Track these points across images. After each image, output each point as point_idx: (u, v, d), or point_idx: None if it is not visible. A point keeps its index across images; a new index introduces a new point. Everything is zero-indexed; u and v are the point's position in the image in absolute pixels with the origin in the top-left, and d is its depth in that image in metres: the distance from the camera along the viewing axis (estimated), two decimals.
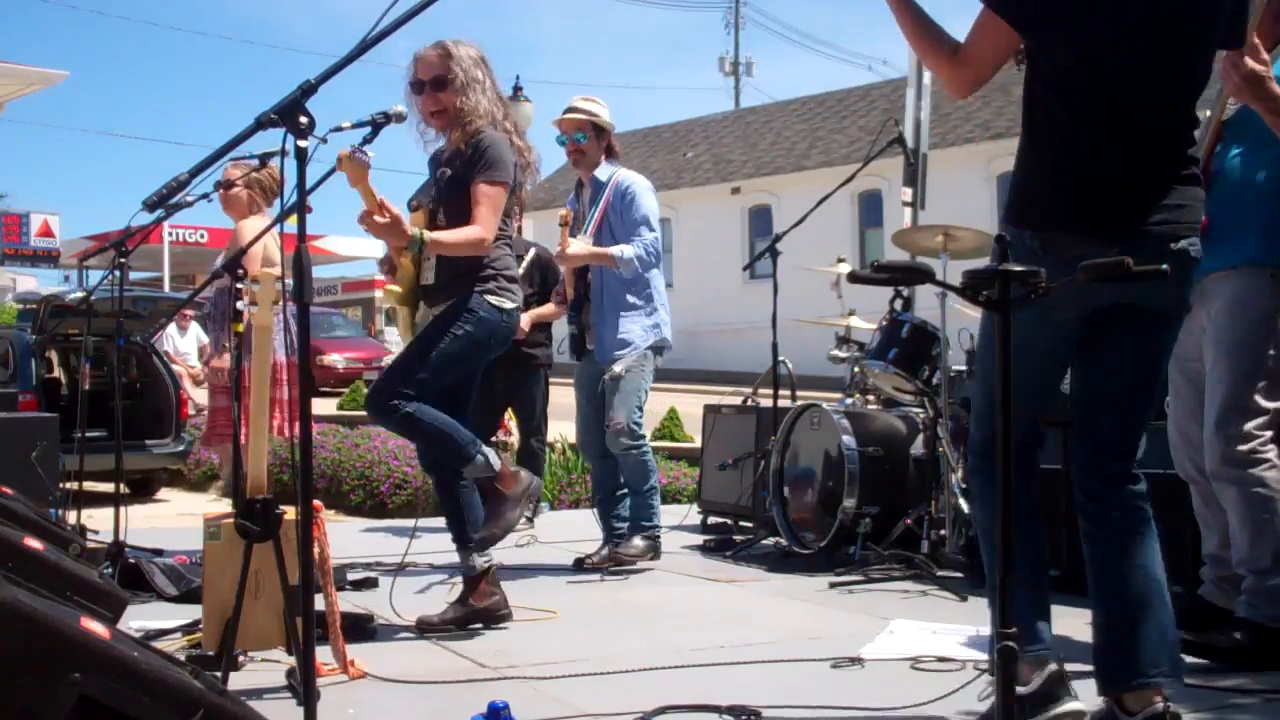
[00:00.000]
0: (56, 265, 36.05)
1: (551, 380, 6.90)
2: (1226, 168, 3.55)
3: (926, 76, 7.57)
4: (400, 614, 4.15)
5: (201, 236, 30.55)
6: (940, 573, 4.94)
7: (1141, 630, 2.63)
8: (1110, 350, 2.72)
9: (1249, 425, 3.47)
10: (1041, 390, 2.79)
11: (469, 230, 3.96)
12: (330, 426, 11.59)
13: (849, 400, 5.87)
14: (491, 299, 4.03)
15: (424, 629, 4.04)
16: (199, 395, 10.63)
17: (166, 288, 27.36)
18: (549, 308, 6.45)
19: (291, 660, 3.39)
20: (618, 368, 5.23)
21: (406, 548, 4.48)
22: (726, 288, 22.83)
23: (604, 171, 5.36)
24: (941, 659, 3.59)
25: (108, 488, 5.75)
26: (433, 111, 4.10)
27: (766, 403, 6.34)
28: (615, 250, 5.20)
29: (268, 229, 4.54)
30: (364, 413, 16.24)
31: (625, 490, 5.48)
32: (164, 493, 11.18)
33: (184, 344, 13.37)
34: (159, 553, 5.05)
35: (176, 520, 8.81)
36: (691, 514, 7.00)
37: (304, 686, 2.38)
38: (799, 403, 5.89)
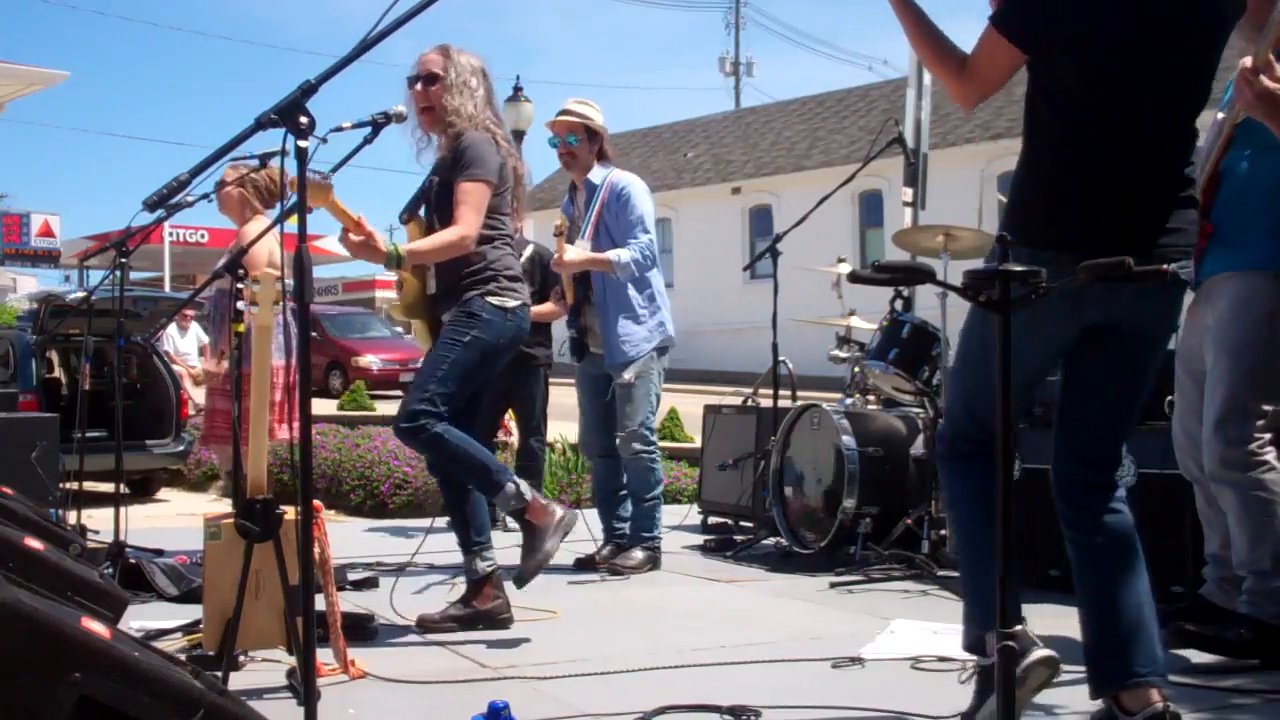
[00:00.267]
0: (57, 265, 36.07)
1: (551, 380, 6.90)
2: (1235, 170, 3.55)
3: (927, 77, 7.56)
4: (401, 614, 4.15)
5: (202, 237, 30.55)
6: (940, 573, 4.94)
7: (1131, 631, 2.64)
8: (1096, 365, 2.74)
9: (1248, 428, 3.47)
10: (1018, 395, 2.80)
11: (448, 232, 3.95)
12: (330, 426, 11.59)
13: (849, 400, 5.87)
14: (493, 300, 4.01)
15: (425, 628, 4.04)
16: (199, 395, 10.62)
17: (167, 288, 27.36)
18: (548, 306, 6.45)
19: (291, 660, 3.39)
20: (628, 375, 5.23)
21: (418, 547, 4.50)
22: (726, 288, 22.83)
23: (597, 174, 5.35)
24: (942, 659, 3.59)
25: (108, 488, 5.76)
26: (422, 108, 4.11)
27: (766, 403, 6.34)
28: (612, 255, 5.20)
29: (268, 229, 4.54)
30: (364, 413, 16.23)
31: (625, 492, 5.48)
32: (164, 493, 11.18)
33: (184, 344, 13.36)
34: (159, 553, 5.05)
35: (176, 520, 8.81)
36: (691, 514, 7.00)
37: (304, 686, 2.38)
38: (799, 403, 5.89)
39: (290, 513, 3.30)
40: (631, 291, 5.27)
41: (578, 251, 5.23)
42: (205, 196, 3.91)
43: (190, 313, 12.84)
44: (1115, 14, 2.59)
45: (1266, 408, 3.49)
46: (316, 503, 3.03)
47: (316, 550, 3.31)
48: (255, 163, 3.92)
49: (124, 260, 4.59)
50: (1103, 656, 2.67)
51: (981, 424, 2.75)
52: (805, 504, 5.61)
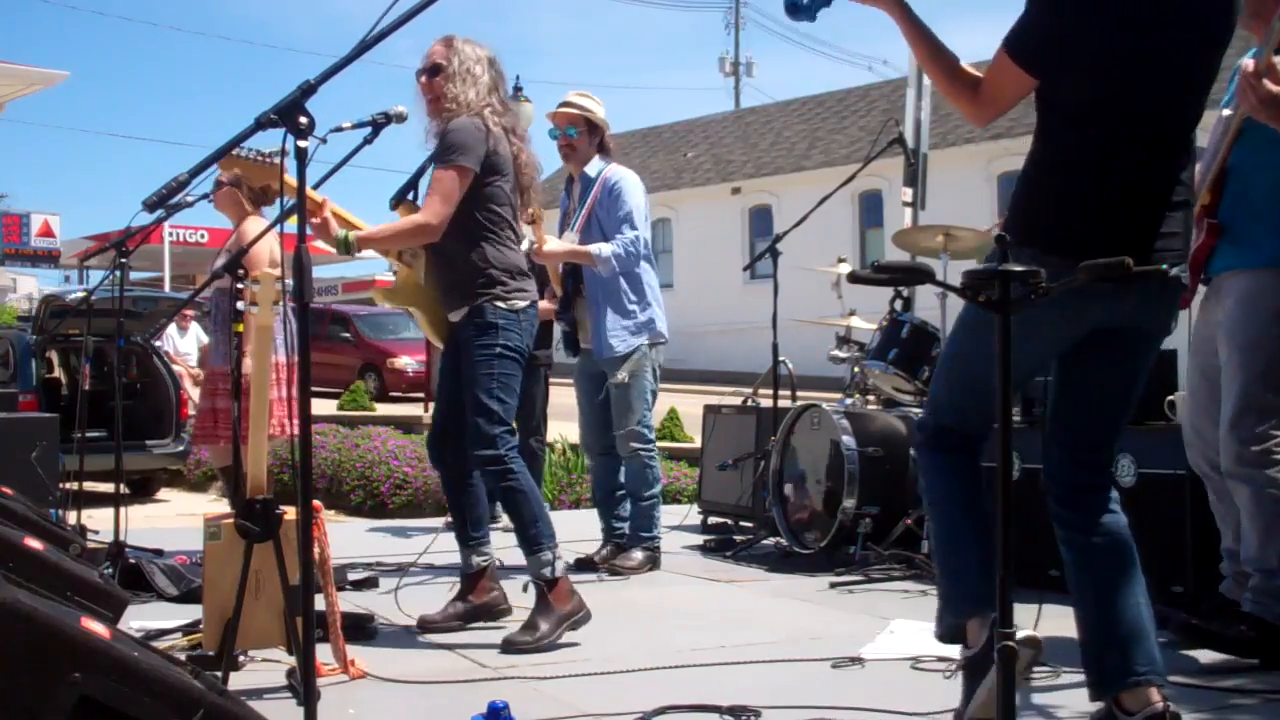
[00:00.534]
0: (56, 265, 36.08)
1: (551, 380, 6.89)
2: (1243, 167, 3.55)
3: (926, 77, 7.56)
4: (402, 614, 4.15)
5: (202, 236, 30.54)
6: None
7: (1130, 631, 2.64)
8: (1095, 368, 2.73)
9: (1263, 425, 3.47)
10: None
11: (407, 220, 3.92)
12: (330, 426, 11.60)
13: (849, 400, 5.87)
14: (502, 304, 3.97)
15: (425, 628, 4.04)
16: (199, 395, 10.64)
17: (167, 288, 27.35)
18: (544, 304, 6.44)
19: (291, 660, 3.39)
20: (620, 375, 5.23)
21: (425, 548, 4.50)
22: (726, 288, 22.82)
23: (594, 167, 5.34)
24: (942, 659, 3.58)
25: (108, 488, 5.76)
26: (428, 99, 4.09)
27: (766, 403, 6.34)
28: (593, 248, 5.18)
29: (268, 229, 4.54)
30: (364, 413, 16.20)
31: (624, 492, 5.48)
32: (164, 493, 11.19)
33: (184, 344, 13.37)
34: (159, 553, 5.05)
35: (176, 520, 8.82)
36: (691, 514, 7.00)
37: (304, 686, 2.38)
38: (799, 403, 5.89)
39: (290, 513, 3.30)
40: (622, 285, 5.25)
41: (558, 243, 5.22)
42: (205, 196, 3.92)
43: (190, 313, 12.85)
44: (1126, 33, 2.59)
45: None
46: (316, 503, 3.03)
47: (316, 550, 3.31)
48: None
49: (124, 260, 4.59)
50: (1101, 657, 2.67)
51: (967, 420, 2.75)
52: (805, 504, 5.61)
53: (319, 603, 3.26)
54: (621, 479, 5.48)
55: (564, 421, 8.14)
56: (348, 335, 21.91)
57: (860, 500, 5.30)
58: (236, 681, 3.23)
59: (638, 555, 5.35)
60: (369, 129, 3.12)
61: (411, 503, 9.38)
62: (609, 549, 5.45)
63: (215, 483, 11.15)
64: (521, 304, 4.02)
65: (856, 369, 5.91)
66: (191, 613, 3.87)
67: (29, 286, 37.10)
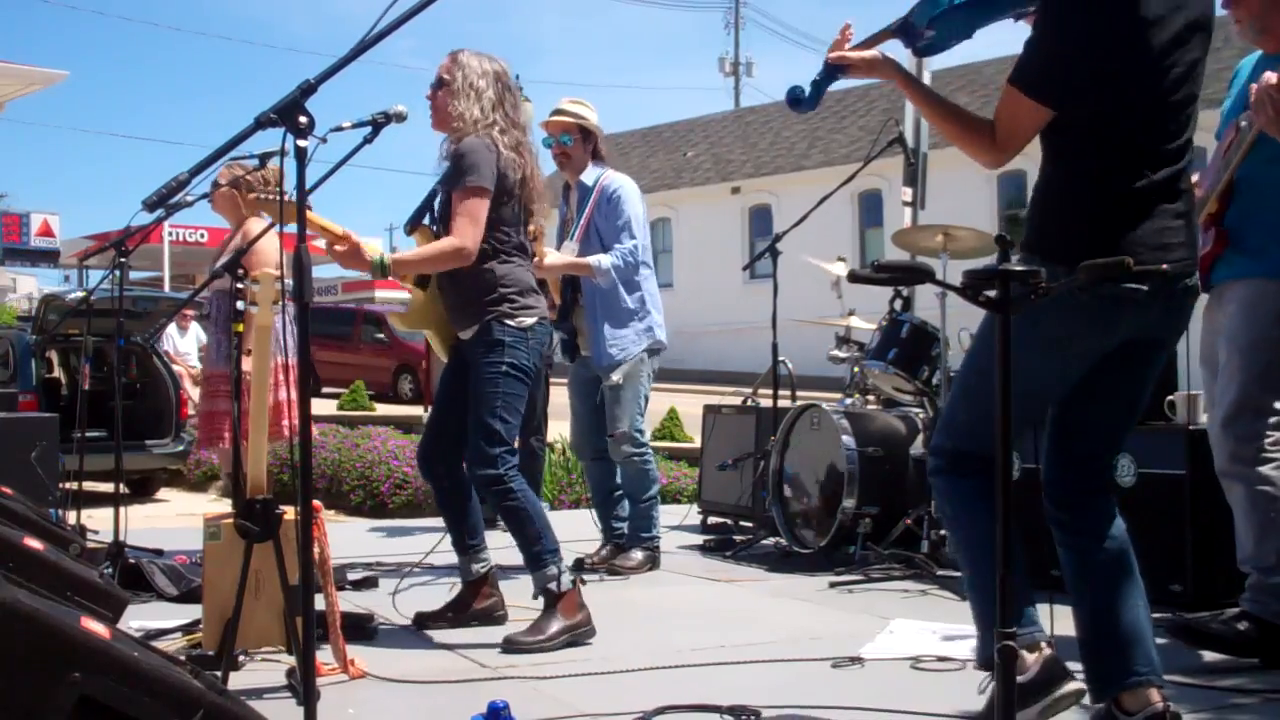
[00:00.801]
0: (56, 265, 36.07)
1: (551, 380, 6.90)
2: (1251, 178, 3.56)
3: (926, 77, 7.55)
4: (401, 614, 4.15)
5: (201, 236, 30.53)
6: (940, 572, 4.94)
7: (1129, 632, 2.64)
8: (1109, 376, 2.70)
9: (1258, 424, 3.48)
10: (1037, 419, 2.77)
11: (444, 242, 3.90)
12: (330, 426, 11.60)
13: (849, 400, 5.87)
14: (510, 322, 3.97)
15: (422, 625, 4.05)
16: (199, 397, 10.64)
17: (166, 288, 27.35)
18: None
19: (291, 660, 3.39)
20: (615, 377, 5.22)
21: (431, 548, 4.51)
22: (726, 288, 22.82)
23: (590, 175, 5.34)
24: (941, 659, 3.59)
25: (108, 488, 5.76)
26: (433, 114, 4.10)
27: (766, 403, 6.34)
28: (592, 260, 5.18)
29: (267, 229, 4.54)
30: (364, 413, 16.20)
31: (622, 492, 5.48)
32: (164, 493, 11.19)
33: (184, 344, 13.37)
34: (159, 553, 5.05)
35: (176, 520, 8.82)
36: (691, 514, 7.00)
37: (304, 686, 2.38)
38: (799, 403, 5.89)
39: (290, 513, 3.30)
40: (621, 294, 5.25)
41: (558, 256, 5.21)
42: (204, 196, 3.91)
43: (190, 312, 12.85)
44: (1131, 49, 2.58)
45: (1278, 405, 3.50)
46: (316, 503, 3.03)
47: (316, 550, 3.31)
48: (254, 162, 3.92)
49: (123, 260, 4.59)
50: (1101, 658, 2.68)
51: (986, 443, 2.62)
52: (805, 504, 5.61)
53: (319, 603, 3.26)
54: (617, 480, 5.48)
55: (564, 421, 8.14)
56: (382, 336, 21.89)
57: (860, 500, 5.30)
58: (236, 681, 3.23)
59: (637, 555, 5.36)
60: (369, 129, 3.11)
61: (411, 503, 9.38)
62: (608, 549, 5.46)
63: (215, 482, 11.16)
64: (529, 321, 4.00)
65: (856, 369, 5.91)
66: (191, 613, 3.87)
67: (29, 286, 37.11)
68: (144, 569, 4.68)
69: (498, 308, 3.96)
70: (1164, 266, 2.54)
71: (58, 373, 11.50)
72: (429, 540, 5.28)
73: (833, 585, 4.90)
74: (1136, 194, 2.59)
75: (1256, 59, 3.70)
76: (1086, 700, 2.71)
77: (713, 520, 6.70)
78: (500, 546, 4.56)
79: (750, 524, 6.36)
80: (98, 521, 5.80)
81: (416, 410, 15.81)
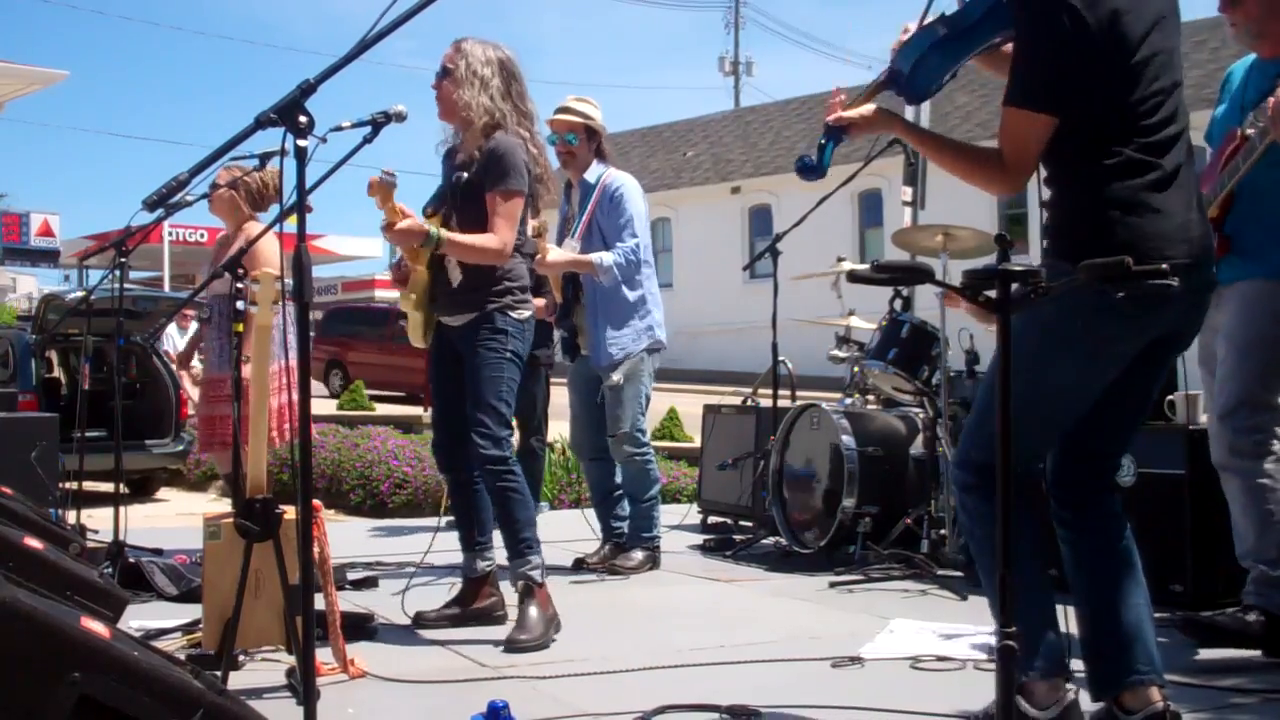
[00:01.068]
0: (56, 265, 36.09)
1: (551, 380, 6.90)
2: (1252, 183, 3.56)
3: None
4: (401, 613, 4.15)
5: (201, 236, 30.53)
6: (940, 572, 4.94)
7: (1131, 631, 2.65)
8: (1126, 375, 2.69)
9: (1255, 418, 3.49)
10: (1068, 424, 2.72)
11: (488, 238, 3.95)
12: (330, 426, 11.60)
13: (849, 400, 5.87)
14: (512, 314, 4.03)
15: (421, 624, 4.05)
16: (198, 398, 10.64)
17: (166, 288, 27.36)
18: (540, 301, 6.44)
19: (291, 659, 3.39)
20: (616, 377, 5.22)
21: (428, 547, 4.50)
22: (726, 288, 22.82)
23: (593, 173, 5.33)
24: (941, 658, 3.59)
25: (108, 488, 5.75)
26: (439, 104, 4.10)
27: (766, 403, 6.34)
28: (595, 258, 5.18)
29: (267, 229, 4.54)
30: (364, 413, 16.18)
31: (621, 491, 5.48)
32: (164, 493, 11.19)
33: (184, 344, 13.36)
34: (159, 552, 5.05)
35: (176, 520, 8.82)
36: (691, 514, 7.00)
37: (304, 686, 2.38)
38: (799, 403, 5.89)
39: (290, 512, 3.30)
40: (622, 292, 5.25)
41: (560, 253, 5.21)
42: (204, 196, 3.91)
43: (190, 312, 12.84)
44: (1123, 47, 2.59)
45: (1276, 400, 3.51)
46: (316, 502, 3.03)
47: (316, 550, 3.31)
48: (254, 163, 3.92)
49: (123, 260, 4.59)
50: (1103, 657, 2.68)
51: (1016, 455, 2.50)
52: (805, 503, 5.61)
53: (319, 602, 3.26)
54: (617, 479, 5.48)
55: (564, 421, 8.13)
56: None
57: (860, 500, 5.30)
58: (236, 681, 3.23)
59: (637, 555, 5.35)
60: (369, 128, 3.11)
61: (411, 502, 9.38)
62: (609, 549, 5.45)
63: (215, 482, 11.15)
64: (526, 314, 4.10)
65: (856, 369, 5.91)
66: (191, 612, 3.87)
67: (29, 286, 37.13)
68: (144, 569, 4.68)
69: (501, 299, 4.02)
70: (1185, 260, 2.54)
71: (58, 373, 11.51)
72: (429, 540, 5.27)
73: (833, 585, 4.90)
74: (1147, 187, 2.59)
75: (1250, 63, 3.70)
76: (1090, 703, 2.71)
77: (713, 520, 6.70)
78: (501, 546, 4.56)
79: (750, 524, 6.36)
80: (98, 521, 5.79)
81: (416, 410, 15.82)
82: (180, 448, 10.43)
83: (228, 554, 3.34)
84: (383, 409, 16.82)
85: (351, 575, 4.95)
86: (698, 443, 7.52)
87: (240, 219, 5.35)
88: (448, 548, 4.52)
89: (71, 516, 5.36)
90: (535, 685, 3.36)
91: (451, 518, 4.35)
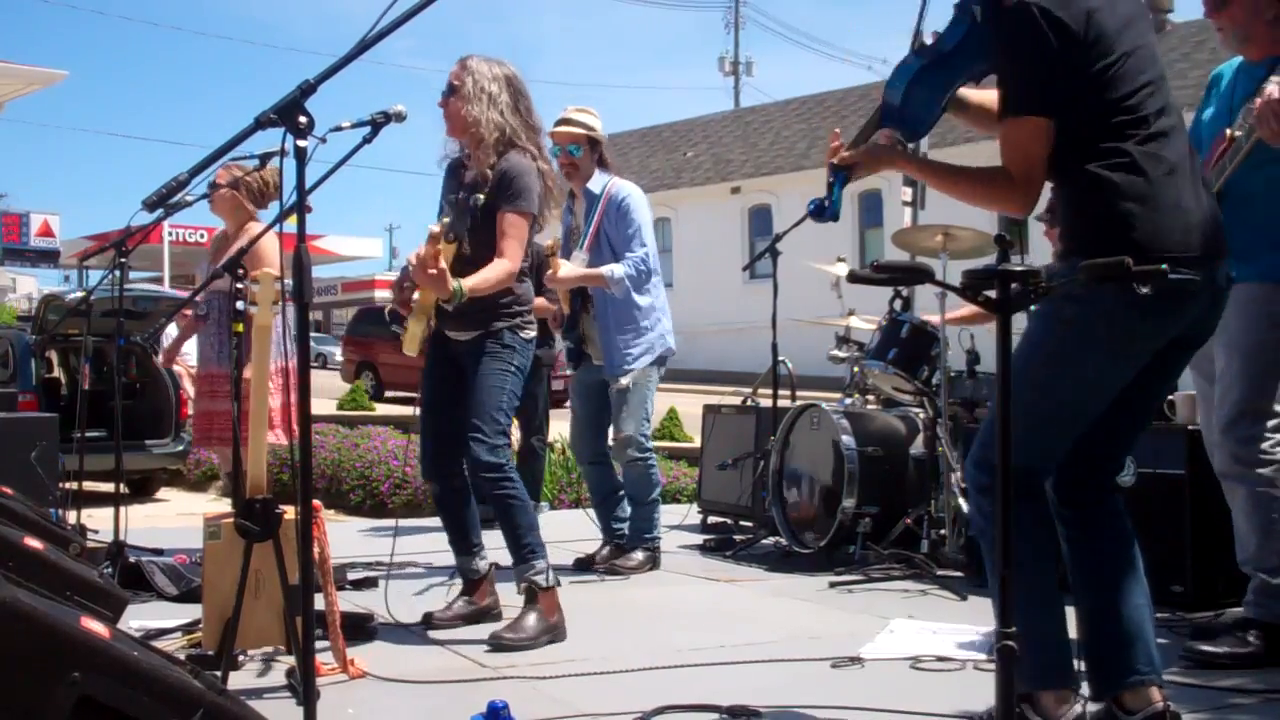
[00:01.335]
0: (56, 265, 36.12)
1: (553, 377, 6.89)
2: (1240, 184, 3.55)
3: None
4: (400, 613, 4.15)
5: (201, 236, 30.55)
6: (940, 572, 4.94)
7: (1132, 631, 2.64)
8: (1140, 377, 2.69)
9: (1258, 426, 3.48)
10: (1086, 421, 2.71)
11: (498, 266, 3.98)
12: (330, 426, 11.60)
13: (849, 400, 5.87)
14: (521, 333, 4.10)
15: (433, 625, 4.07)
16: (195, 396, 10.63)
17: (166, 287, 27.35)
18: (541, 301, 6.43)
19: (291, 660, 3.39)
20: (624, 381, 5.23)
21: (390, 547, 4.50)
22: (726, 288, 22.82)
23: (597, 183, 5.33)
24: (941, 659, 3.59)
25: (108, 488, 5.76)
26: (446, 120, 4.13)
27: (766, 403, 6.34)
28: (605, 270, 5.19)
29: (267, 229, 4.54)
30: (364, 412, 16.14)
31: (623, 493, 5.48)
32: (164, 493, 11.19)
33: (184, 344, 13.35)
34: (159, 552, 5.06)
35: (176, 520, 8.82)
36: (691, 514, 7.00)
37: (304, 686, 2.38)
38: (799, 403, 5.89)
39: (290, 512, 3.30)
40: (633, 302, 5.25)
41: (571, 268, 5.21)
42: (204, 196, 3.91)
43: (189, 312, 12.84)
44: (1105, 41, 2.60)
45: (1278, 408, 3.50)
46: (316, 502, 3.03)
47: (316, 550, 3.31)
48: (254, 163, 3.92)
49: (123, 260, 4.59)
50: (1103, 657, 2.68)
51: (1033, 457, 2.57)
52: (805, 504, 5.62)
53: (319, 602, 3.26)
54: (617, 481, 5.48)
55: (565, 421, 8.12)
56: None
57: (860, 500, 5.30)
58: (236, 681, 3.24)
59: (638, 555, 5.36)
60: (368, 129, 3.11)
61: (411, 502, 9.38)
62: (609, 549, 5.46)
63: (215, 482, 11.16)
64: (531, 334, 4.17)
65: (856, 369, 5.91)
66: (191, 612, 3.87)
67: (29, 286, 37.14)
68: (144, 568, 4.68)
69: (512, 319, 4.08)
70: (1201, 253, 2.54)
71: (58, 373, 11.51)
72: (429, 540, 5.29)
73: (833, 585, 4.90)
74: (1154, 181, 2.59)
75: (1236, 66, 3.70)
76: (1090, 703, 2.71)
77: (713, 520, 6.70)
78: (498, 547, 4.56)
79: (750, 524, 6.36)
80: (98, 521, 5.80)
81: (416, 410, 15.79)
82: (180, 448, 10.43)
83: (228, 554, 3.34)
84: (382, 409, 16.82)
85: (351, 576, 4.95)
86: (698, 443, 7.52)
87: (242, 219, 5.35)
88: (445, 548, 4.50)
89: (71, 516, 5.36)
90: (535, 685, 3.36)
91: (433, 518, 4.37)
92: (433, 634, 4.01)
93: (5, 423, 5.95)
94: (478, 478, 4.00)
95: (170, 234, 29.75)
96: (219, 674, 3.02)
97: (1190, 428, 4.26)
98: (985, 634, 3.72)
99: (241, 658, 3.49)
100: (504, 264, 3.98)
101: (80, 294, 8.92)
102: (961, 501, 4.99)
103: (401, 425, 12.68)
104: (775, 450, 5.72)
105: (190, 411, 10.49)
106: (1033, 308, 2.46)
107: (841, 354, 5.96)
